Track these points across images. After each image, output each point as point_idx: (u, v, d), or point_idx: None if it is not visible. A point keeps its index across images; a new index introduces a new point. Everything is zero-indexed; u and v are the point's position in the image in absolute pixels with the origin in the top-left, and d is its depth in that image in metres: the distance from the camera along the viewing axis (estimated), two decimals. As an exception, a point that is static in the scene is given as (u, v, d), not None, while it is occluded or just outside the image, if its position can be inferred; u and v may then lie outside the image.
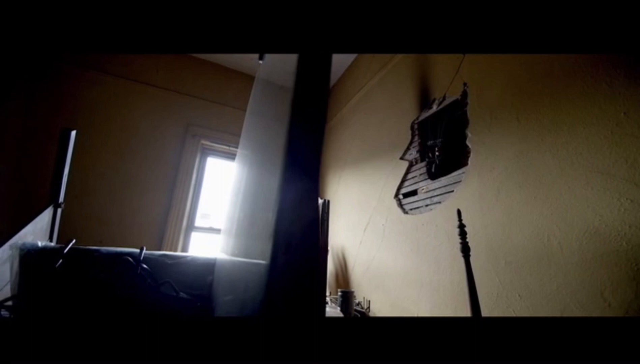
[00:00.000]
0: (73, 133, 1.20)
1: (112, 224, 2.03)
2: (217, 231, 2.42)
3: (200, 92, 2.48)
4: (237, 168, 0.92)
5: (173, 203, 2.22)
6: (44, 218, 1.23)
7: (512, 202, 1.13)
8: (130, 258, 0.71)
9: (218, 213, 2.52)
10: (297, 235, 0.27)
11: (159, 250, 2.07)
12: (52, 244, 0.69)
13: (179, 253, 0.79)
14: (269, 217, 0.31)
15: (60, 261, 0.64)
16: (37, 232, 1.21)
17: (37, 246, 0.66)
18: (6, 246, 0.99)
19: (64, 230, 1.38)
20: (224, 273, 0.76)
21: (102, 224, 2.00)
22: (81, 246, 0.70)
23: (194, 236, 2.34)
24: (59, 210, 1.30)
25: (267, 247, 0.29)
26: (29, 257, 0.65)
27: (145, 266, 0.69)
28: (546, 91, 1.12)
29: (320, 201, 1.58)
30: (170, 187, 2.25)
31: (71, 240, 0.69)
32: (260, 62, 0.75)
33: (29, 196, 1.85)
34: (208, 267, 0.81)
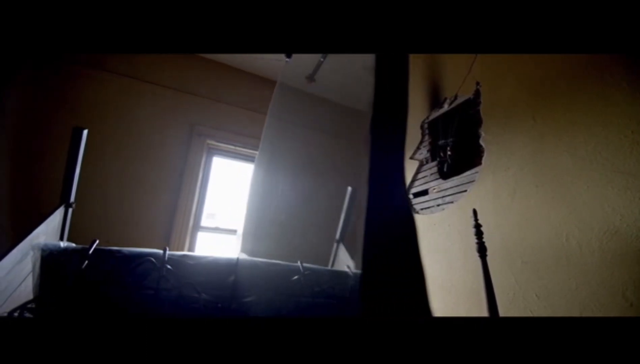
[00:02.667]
0: (85, 132, 1.19)
1: (118, 224, 2.02)
2: (224, 231, 2.40)
3: (205, 91, 2.46)
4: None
5: (179, 202, 2.20)
6: (56, 218, 1.22)
7: (529, 202, 1.13)
8: (153, 259, 0.70)
9: (225, 213, 2.51)
10: (395, 242, 0.26)
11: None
12: (73, 245, 0.68)
13: (199, 254, 0.78)
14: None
15: (87, 262, 0.63)
16: (49, 232, 1.20)
17: (60, 247, 0.65)
18: (21, 245, 0.98)
19: (70, 230, 1.36)
20: (261, 274, 0.75)
21: (108, 224, 1.99)
22: (103, 247, 0.69)
23: (200, 236, 2.32)
24: (70, 210, 1.28)
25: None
26: (52, 258, 0.64)
27: (169, 267, 0.68)
28: (562, 90, 1.11)
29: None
30: (176, 187, 2.24)
31: (95, 241, 0.68)
32: (287, 60, 0.74)
33: (30, 196, 1.83)
34: (229, 268, 0.80)
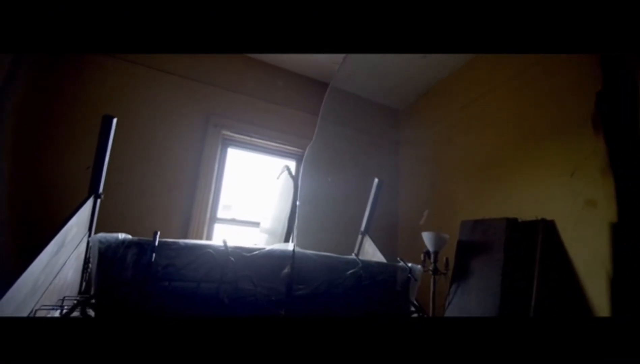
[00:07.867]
0: (114, 120, 1.15)
1: (135, 216, 1.99)
2: (241, 223, 2.39)
3: (221, 82, 2.41)
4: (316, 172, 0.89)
5: (197, 194, 2.18)
6: (86, 209, 1.19)
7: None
8: (212, 251, 0.68)
9: (241, 204, 2.50)
10: None
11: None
12: (130, 236, 0.66)
13: (254, 246, 0.76)
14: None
15: (154, 255, 0.60)
16: (80, 224, 1.17)
17: (118, 239, 0.63)
18: (57, 238, 0.95)
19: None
20: (315, 267, 0.73)
21: (125, 216, 1.96)
22: (160, 239, 0.67)
23: (217, 228, 2.31)
24: (99, 201, 1.26)
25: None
26: (111, 251, 0.61)
27: (232, 259, 0.66)
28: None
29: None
30: (193, 178, 2.20)
31: (156, 232, 0.65)
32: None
33: (32, 188, 1.79)
34: (283, 260, 0.78)
